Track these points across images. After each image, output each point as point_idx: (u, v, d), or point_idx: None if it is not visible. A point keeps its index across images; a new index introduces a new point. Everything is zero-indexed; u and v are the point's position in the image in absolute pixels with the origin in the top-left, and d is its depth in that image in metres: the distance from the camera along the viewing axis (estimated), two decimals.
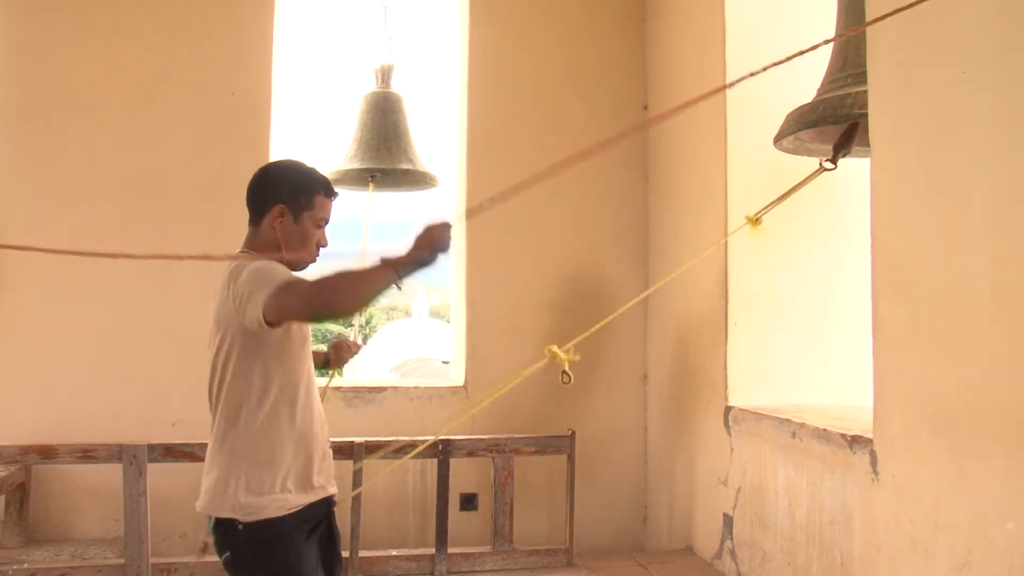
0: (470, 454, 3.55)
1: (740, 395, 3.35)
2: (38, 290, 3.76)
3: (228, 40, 3.95)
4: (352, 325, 3.02)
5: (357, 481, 3.23)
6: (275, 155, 3.87)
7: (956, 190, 1.96)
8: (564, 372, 2.26)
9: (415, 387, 4.15)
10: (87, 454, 3.25)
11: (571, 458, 3.62)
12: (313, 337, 2.12)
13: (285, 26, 4.17)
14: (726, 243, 3.37)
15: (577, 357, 2.21)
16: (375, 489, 3.63)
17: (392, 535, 3.84)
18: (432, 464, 3.53)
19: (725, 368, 3.38)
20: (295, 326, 1.93)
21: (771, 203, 3.07)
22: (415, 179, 3.71)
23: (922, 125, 2.09)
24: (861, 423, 2.56)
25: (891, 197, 2.21)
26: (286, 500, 1.91)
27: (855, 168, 3.20)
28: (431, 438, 3.19)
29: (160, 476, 3.31)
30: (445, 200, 4.54)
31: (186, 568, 3.26)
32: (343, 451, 3.22)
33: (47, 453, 3.26)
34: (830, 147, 2.90)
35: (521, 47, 4.25)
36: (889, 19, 2.22)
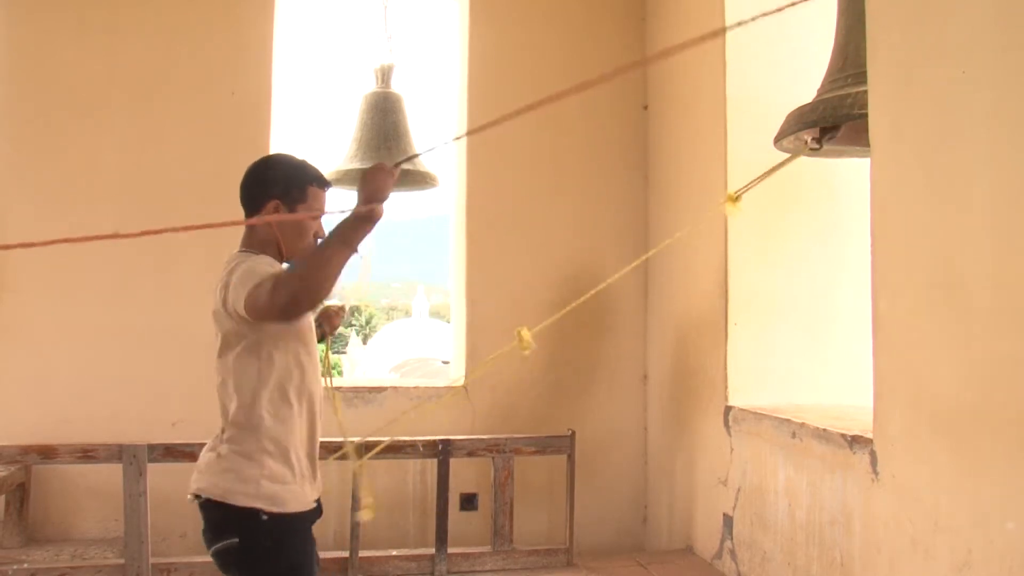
0: (470, 454, 3.55)
1: (740, 395, 3.35)
2: (38, 290, 3.76)
3: (228, 40, 3.95)
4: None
5: (355, 481, 3.23)
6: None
7: (956, 190, 1.96)
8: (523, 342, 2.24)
9: (415, 387, 4.15)
10: (87, 454, 3.25)
11: (571, 458, 3.62)
12: None
13: (285, 26, 4.18)
14: (726, 244, 3.38)
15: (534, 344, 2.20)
16: (375, 489, 3.62)
17: (392, 535, 3.84)
18: (432, 464, 3.53)
19: (725, 368, 3.38)
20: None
21: (751, 182, 3.04)
22: (415, 179, 3.71)
23: (922, 125, 2.09)
24: (861, 423, 2.56)
25: (891, 197, 2.21)
26: (304, 493, 1.91)
27: (855, 168, 3.20)
28: (431, 437, 3.18)
29: (160, 476, 3.31)
30: (445, 200, 4.54)
31: (186, 568, 3.26)
32: (336, 452, 3.22)
33: (47, 453, 3.26)
34: (831, 147, 2.90)
35: (521, 47, 4.25)
36: (890, 19, 2.22)
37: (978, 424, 1.88)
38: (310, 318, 2.05)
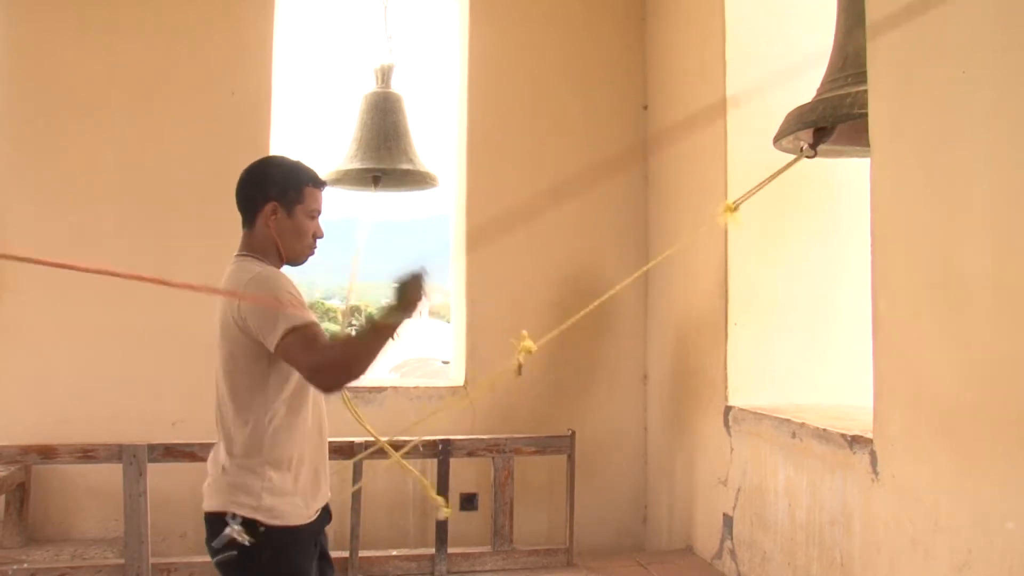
0: (470, 454, 3.55)
1: (740, 395, 3.35)
2: (38, 290, 3.76)
3: (228, 40, 3.95)
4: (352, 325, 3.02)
5: (356, 479, 3.23)
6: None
7: (956, 190, 1.96)
8: (519, 366, 2.26)
9: (415, 387, 4.15)
10: (87, 454, 3.25)
11: (571, 458, 3.62)
12: None
13: (285, 26, 4.17)
14: (726, 244, 3.38)
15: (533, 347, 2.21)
16: (375, 489, 3.63)
17: (392, 535, 3.84)
18: (432, 464, 3.52)
19: (725, 368, 3.38)
20: None
21: (749, 191, 3.04)
22: (415, 179, 3.71)
23: (922, 125, 2.09)
24: (861, 423, 2.56)
25: (891, 197, 2.21)
26: (306, 506, 1.91)
27: (855, 168, 3.20)
28: (426, 438, 3.18)
29: (160, 476, 3.31)
30: (445, 200, 4.54)
31: (186, 568, 3.26)
32: (343, 451, 3.23)
33: (47, 453, 3.26)
34: (830, 147, 2.90)
35: (521, 47, 4.25)
36: (889, 19, 2.22)
37: (978, 424, 1.88)
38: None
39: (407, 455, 3.14)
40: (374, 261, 3.95)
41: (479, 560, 3.50)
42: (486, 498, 3.78)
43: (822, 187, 3.38)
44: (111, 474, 3.39)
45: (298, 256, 2.02)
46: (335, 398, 2.51)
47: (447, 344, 5.34)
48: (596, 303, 2.34)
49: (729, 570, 3.31)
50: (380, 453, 2.68)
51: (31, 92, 3.81)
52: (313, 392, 1.96)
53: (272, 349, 1.78)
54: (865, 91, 2.37)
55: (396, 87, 3.74)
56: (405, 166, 3.61)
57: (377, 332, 1.77)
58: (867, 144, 2.32)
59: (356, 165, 3.58)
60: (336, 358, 1.78)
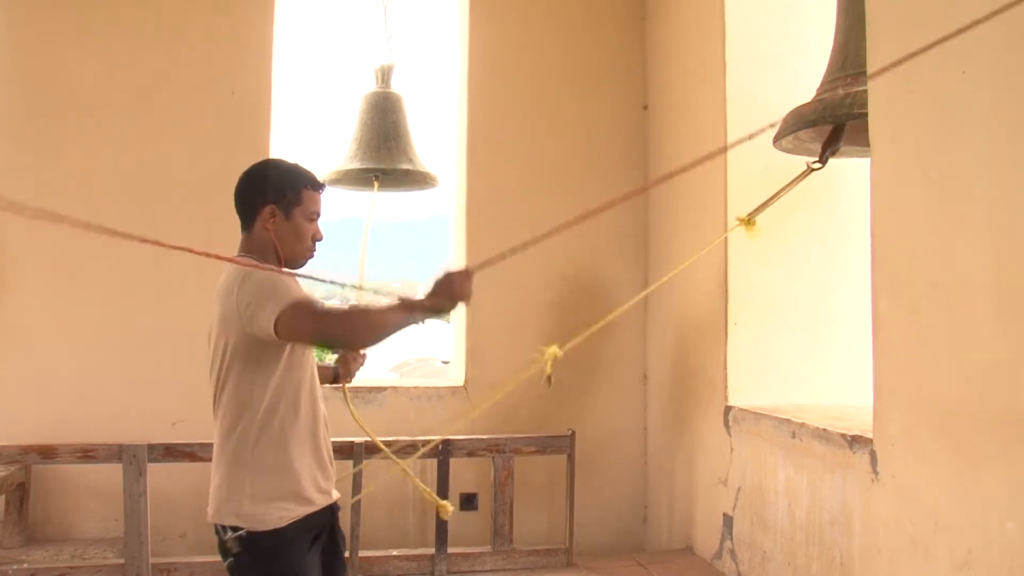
0: (470, 454, 3.55)
1: (740, 395, 3.35)
2: (38, 290, 3.76)
3: (228, 40, 3.95)
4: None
5: (357, 482, 3.23)
6: (275, 155, 3.87)
7: (956, 190, 1.96)
8: (549, 378, 2.26)
9: (415, 387, 4.15)
10: (87, 454, 3.25)
11: (571, 458, 3.62)
12: None
13: (285, 26, 4.17)
14: (726, 244, 3.37)
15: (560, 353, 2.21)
16: (375, 489, 3.63)
17: (392, 535, 3.84)
18: (432, 464, 3.52)
19: (725, 368, 3.38)
20: None
21: (760, 205, 3.05)
22: (415, 179, 3.70)
23: (922, 125, 2.09)
24: (861, 423, 2.56)
25: (891, 197, 2.21)
26: (291, 510, 1.89)
27: (855, 168, 3.20)
28: (435, 438, 3.18)
29: (160, 476, 3.31)
30: (445, 200, 4.54)
31: (186, 568, 3.26)
32: (343, 451, 3.22)
33: (47, 453, 3.26)
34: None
35: (521, 47, 4.25)
36: (890, 19, 2.22)
37: (978, 424, 1.88)
38: None
39: (405, 455, 3.15)
40: (373, 261, 3.95)
41: (479, 560, 3.50)
42: (486, 498, 3.78)
43: (822, 187, 3.37)
44: (111, 474, 3.39)
45: (297, 258, 2.01)
46: (335, 395, 2.52)
47: (447, 344, 5.34)
48: (604, 322, 2.33)
49: (729, 570, 3.31)
50: (381, 456, 2.68)
51: (31, 92, 3.81)
52: (311, 393, 1.96)
53: (272, 327, 1.74)
54: (865, 91, 2.37)
55: (396, 87, 3.74)
56: (405, 166, 3.61)
57: (400, 308, 1.71)
58: (867, 144, 2.32)
59: (356, 165, 3.57)
60: (342, 316, 1.77)
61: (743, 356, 3.37)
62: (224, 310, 1.87)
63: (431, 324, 1.83)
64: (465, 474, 3.79)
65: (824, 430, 2.63)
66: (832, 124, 2.68)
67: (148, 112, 3.87)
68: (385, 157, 3.59)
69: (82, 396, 3.72)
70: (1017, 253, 1.78)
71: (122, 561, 3.21)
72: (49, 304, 3.76)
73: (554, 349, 2.11)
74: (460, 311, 4.28)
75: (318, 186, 2.04)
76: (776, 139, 2.92)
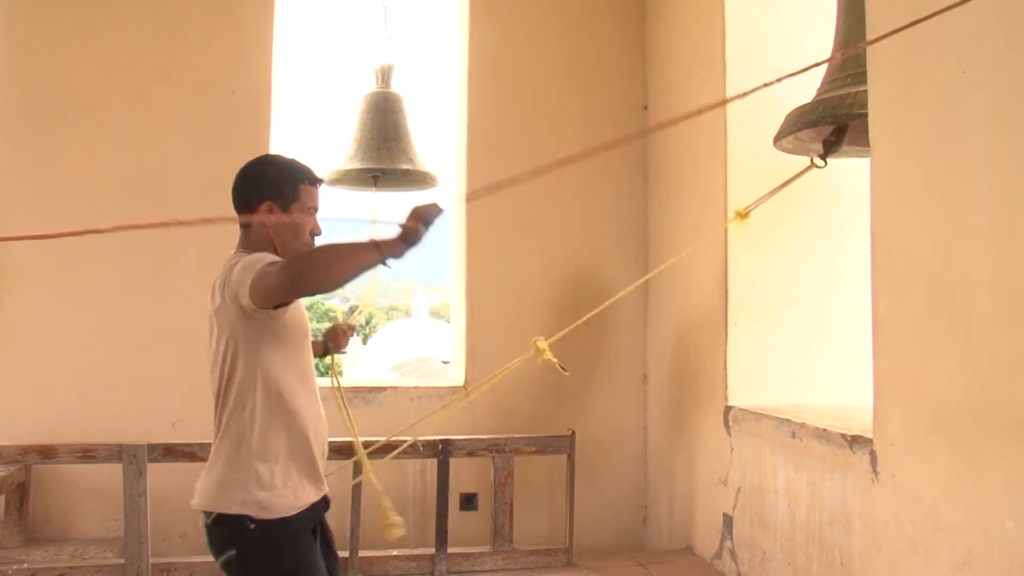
0: (470, 454, 3.55)
1: (740, 395, 3.35)
2: (38, 290, 3.76)
3: (228, 40, 3.96)
4: (356, 311, 2.99)
5: (357, 481, 3.23)
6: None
7: (956, 190, 1.96)
8: (560, 366, 2.25)
9: (415, 387, 4.15)
10: (87, 454, 3.25)
11: (571, 458, 3.62)
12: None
13: (285, 26, 4.18)
14: (726, 244, 3.38)
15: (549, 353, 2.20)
16: (370, 490, 3.63)
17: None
18: (432, 464, 3.53)
19: (725, 368, 3.38)
20: (291, 318, 1.91)
21: (760, 199, 3.06)
22: (415, 179, 3.71)
23: (922, 125, 2.09)
24: (861, 423, 2.56)
25: (891, 197, 2.21)
26: (297, 498, 1.89)
27: (855, 167, 3.20)
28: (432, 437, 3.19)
29: (160, 476, 3.31)
30: (445, 200, 4.53)
31: (186, 568, 3.26)
32: (343, 451, 3.22)
33: (47, 453, 3.26)
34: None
35: (521, 47, 4.25)
36: (890, 19, 2.22)
37: (978, 424, 1.88)
38: (306, 323, 2.04)
39: (404, 454, 3.15)
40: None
41: (479, 560, 3.49)
42: (486, 498, 3.78)
43: (822, 187, 3.37)
44: (111, 474, 3.39)
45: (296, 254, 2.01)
46: (334, 395, 2.51)
47: (447, 344, 5.34)
48: (600, 308, 2.34)
49: (729, 570, 3.31)
50: (377, 453, 2.68)
51: (31, 92, 3.81)
52: (307, 386, 1.96)
53: (248, 291, 1.75)
54: (865, 91, 2.37)
55: (396, 87, 3.75)
56: (405, 166, 3.61)
57: (366, 243, 1.68)
58: (867, 144, 2.32)
59: (356, 165, 3.58)
60: (305, 256, 1.78)
61: (743, 356, 3.37)
62: (219, 302, 1.88)
63: (397, 269, 1.78)
64: (465, 474, 3.80)
65: (824, 430, 2.63)
66: (832, 124, 2.68)
67: (148, 112, 3.87)
68: (385, 157, 3.59)
69: (82, 396, 3.72)
70: (1017, 253, 1.78)
71: (122, 561, 3.21)
72: (49, 304, 3.76)
73: (541, 342, 2.11)
74: (460, 312, 4.28)
75: (315, 181, 2.04)
76: (776, 139, 2.92)
